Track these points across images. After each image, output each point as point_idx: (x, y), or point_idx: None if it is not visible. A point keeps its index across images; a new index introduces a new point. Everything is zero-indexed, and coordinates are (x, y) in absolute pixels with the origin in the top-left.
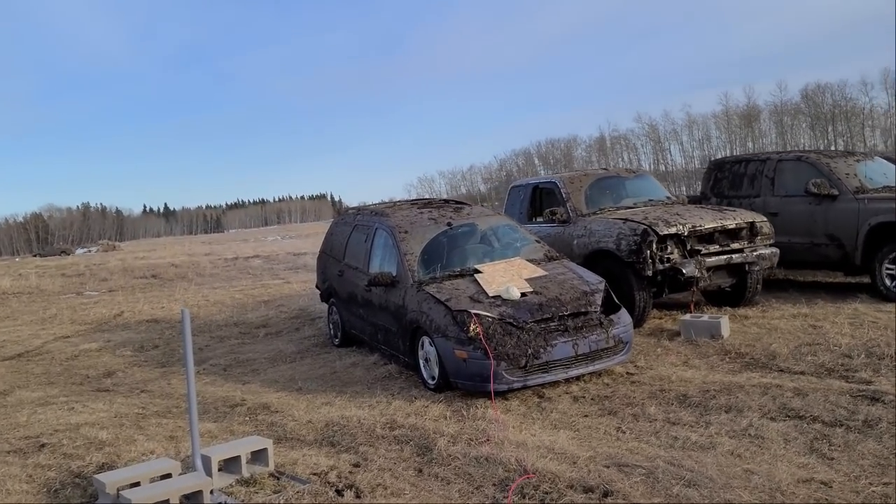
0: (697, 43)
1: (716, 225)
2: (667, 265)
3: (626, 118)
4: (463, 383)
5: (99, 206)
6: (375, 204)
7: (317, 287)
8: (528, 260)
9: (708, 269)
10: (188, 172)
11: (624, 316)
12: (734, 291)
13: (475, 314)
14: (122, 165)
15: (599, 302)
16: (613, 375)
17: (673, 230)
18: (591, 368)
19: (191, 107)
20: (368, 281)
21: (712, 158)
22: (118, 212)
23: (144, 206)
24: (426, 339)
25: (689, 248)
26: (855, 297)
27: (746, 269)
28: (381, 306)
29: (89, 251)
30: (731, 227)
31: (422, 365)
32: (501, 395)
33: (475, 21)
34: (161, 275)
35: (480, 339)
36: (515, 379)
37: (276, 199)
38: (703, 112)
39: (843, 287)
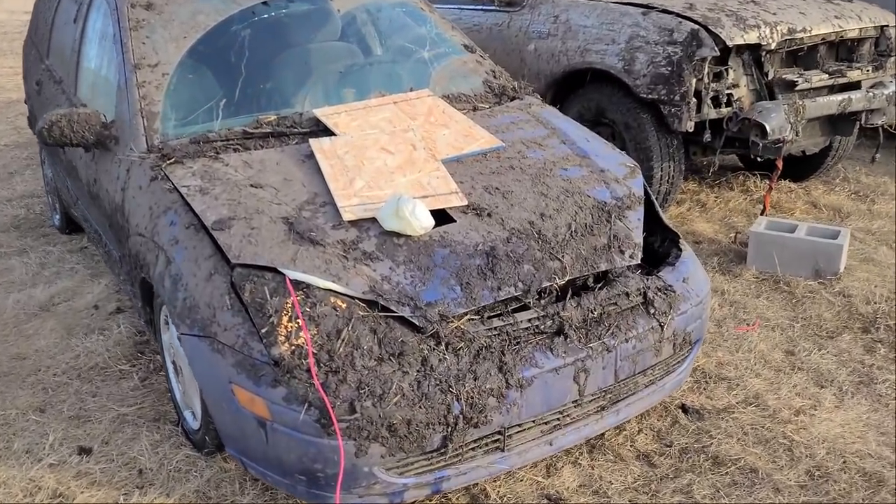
0: None
1: (828, 30)
2: (730, 113)
3: None
4: (263, 472)
5: None
6: None
7: (25, 102)
8: (447, 98)
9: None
10: None
11: (694, 271)
12: (801, 157)
13: (296, 284)
14: None
15: (638, 234)
16: (655, 423)
17: (753, 37)
18: (612, 421)
19: None
20: (38, 130)
21: None
22: None
23: None
24: (171, 322)
25: (771, 76)
26: None
27: (862, 122)
28: (92, 192)
29: None
30: (852, 34)
31: (170, 371)
32: None
33: None
34: None
35: (310, 371)
36: (410, 481)
37: None
38: None
39: None
